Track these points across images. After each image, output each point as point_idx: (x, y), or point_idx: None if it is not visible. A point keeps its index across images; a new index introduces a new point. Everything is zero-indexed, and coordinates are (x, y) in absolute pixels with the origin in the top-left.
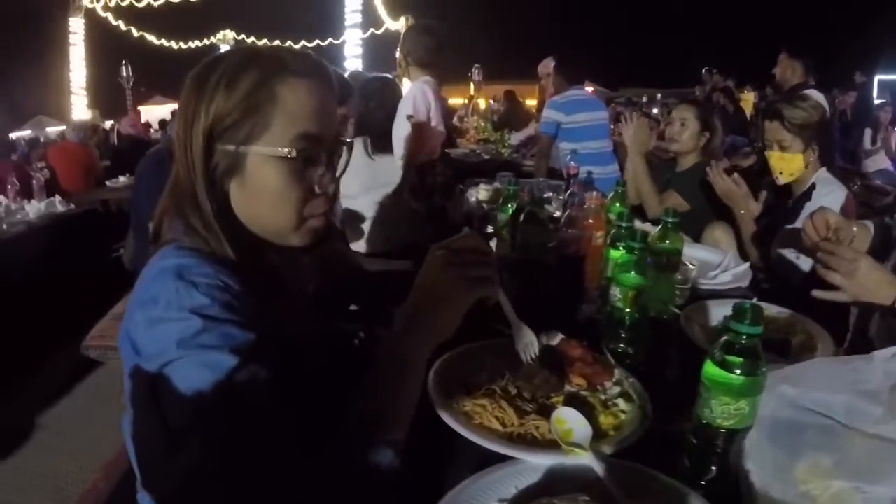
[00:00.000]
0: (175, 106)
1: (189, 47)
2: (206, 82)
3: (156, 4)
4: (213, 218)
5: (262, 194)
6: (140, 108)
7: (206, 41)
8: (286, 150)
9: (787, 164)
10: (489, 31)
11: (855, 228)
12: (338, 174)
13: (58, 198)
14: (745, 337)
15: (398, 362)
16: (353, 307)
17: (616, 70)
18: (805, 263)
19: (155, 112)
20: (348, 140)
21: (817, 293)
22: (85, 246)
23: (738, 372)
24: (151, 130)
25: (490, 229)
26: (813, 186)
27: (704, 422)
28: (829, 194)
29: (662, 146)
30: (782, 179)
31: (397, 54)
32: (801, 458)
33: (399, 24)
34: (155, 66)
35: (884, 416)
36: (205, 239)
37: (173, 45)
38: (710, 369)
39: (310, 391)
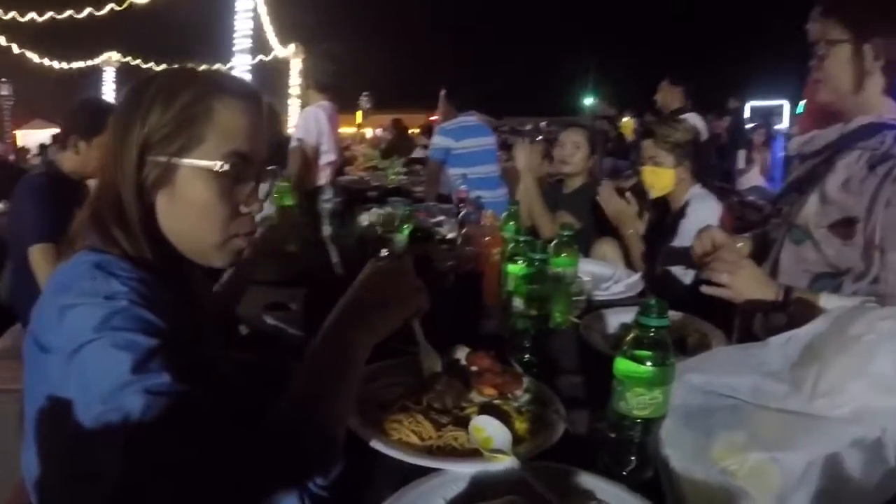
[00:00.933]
0: (56, 130)
1: (72, 69)
2: (144, 95)
3: (40, 20)
4: (138, 228)
5: (190, 208)
6: (18, 131)
7: (89, 62)
8: (218, 164)
9: (658, 178)
10: (377, 60)
11: (740, 244)
12: (262, 198)
13: None
14: (653, 329)
15: (341, 350)
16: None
17: (499, 99)
18: (689, 277)
19: (34, 136)
20: (273, 168)
21: (705, 289)
22: None
23: (649, 364)
24: (29, 155)
25: (385, 252)
26: (687, 203)
27: (621, 414)
28: (704, 209)
29: (550, 170)
30: (654, 193)
31: (298, 79)
32: (716, 438)
33: (288, 51)
34: (36, 88)
35: (788, 392)
36: (123, 249)
37: (55, 65)
38: (621, 364)
39: (222, 405)
